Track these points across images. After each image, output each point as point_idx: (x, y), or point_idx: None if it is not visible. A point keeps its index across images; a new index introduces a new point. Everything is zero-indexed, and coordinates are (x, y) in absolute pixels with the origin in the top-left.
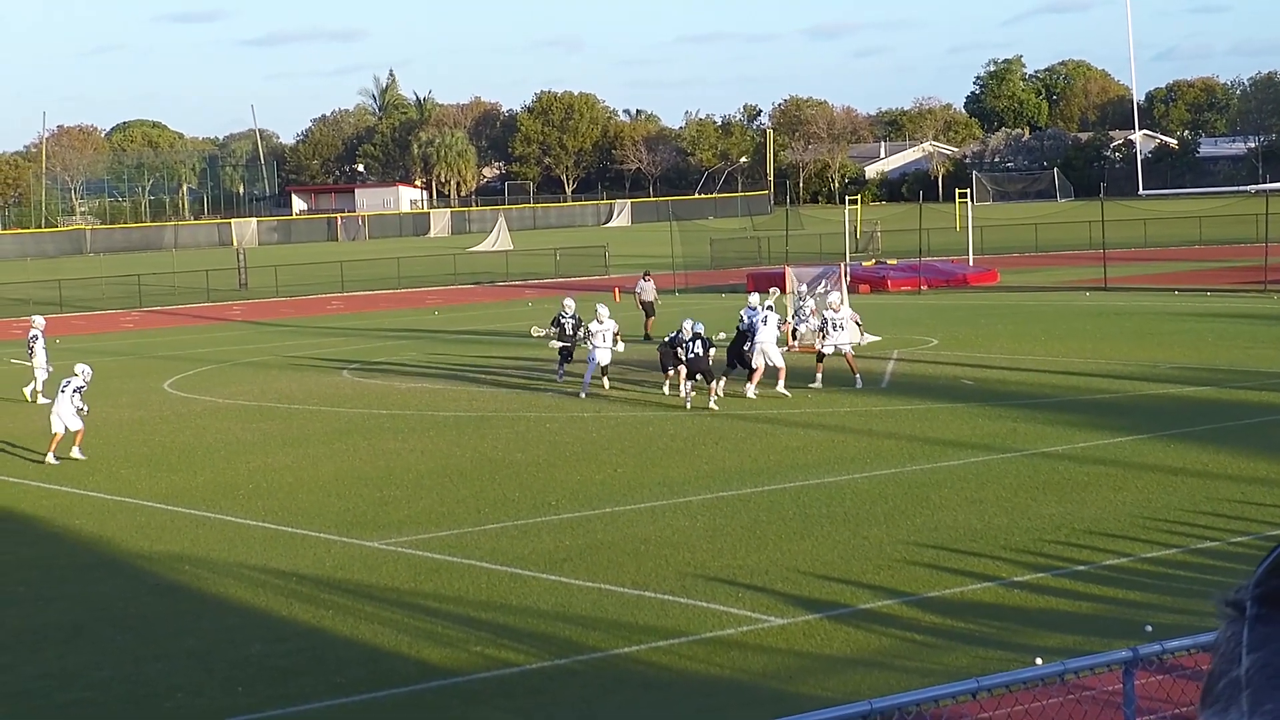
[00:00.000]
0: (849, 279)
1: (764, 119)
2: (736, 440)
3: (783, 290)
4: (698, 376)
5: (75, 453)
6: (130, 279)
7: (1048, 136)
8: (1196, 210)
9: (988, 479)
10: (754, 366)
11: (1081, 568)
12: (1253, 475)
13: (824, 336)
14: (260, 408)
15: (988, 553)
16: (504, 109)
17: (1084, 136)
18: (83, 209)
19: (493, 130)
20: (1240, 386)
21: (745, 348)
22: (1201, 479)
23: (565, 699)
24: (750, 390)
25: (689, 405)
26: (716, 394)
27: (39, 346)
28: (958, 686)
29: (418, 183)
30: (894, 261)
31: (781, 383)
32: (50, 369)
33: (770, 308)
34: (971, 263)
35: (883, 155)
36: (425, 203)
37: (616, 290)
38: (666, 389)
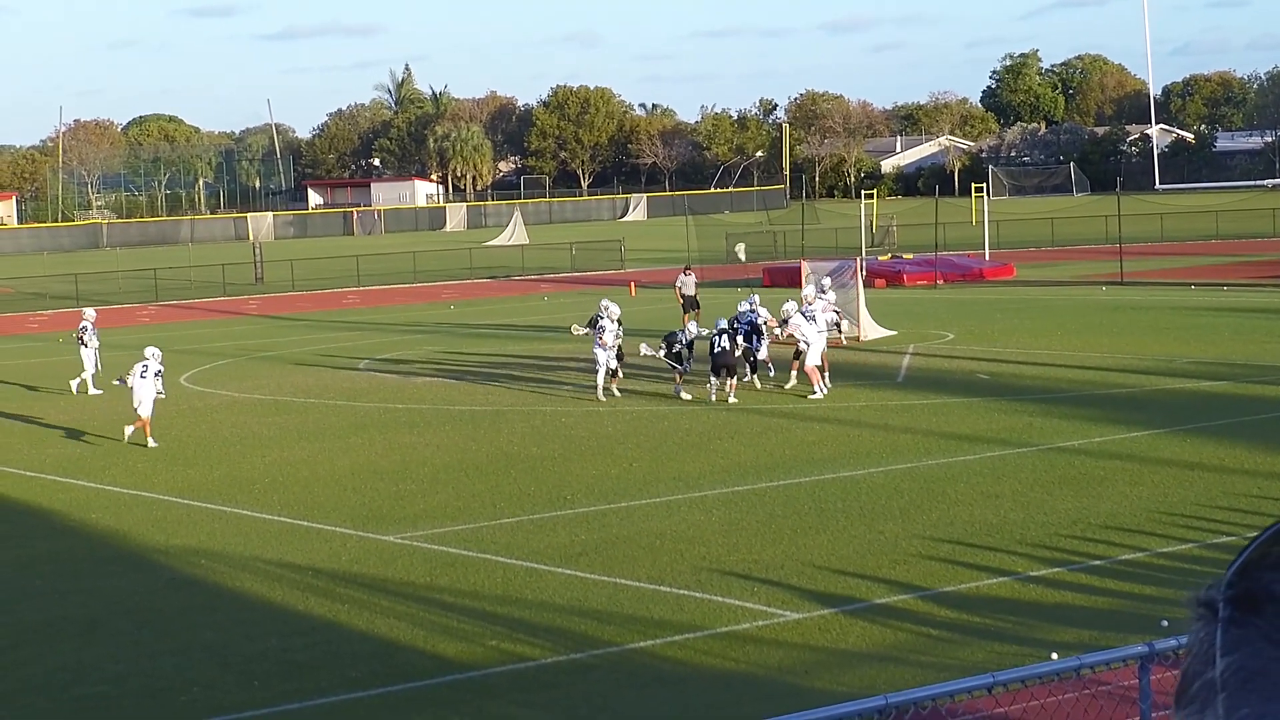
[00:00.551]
0: (865, 273)
1: (780, 113)
2: (752, 435)
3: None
4: (721, 372)
5: (129, 429)
6: (146, 273)
7: (1064, 131)
8: (1213, 205)
9: (1003, 474)
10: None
11: (1097, 562)
12: (1269, 470)
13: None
14: (276, 402)
15: (1003, 547)
16: (520, 103)
17: (1100, 131)
18: (99, 203)
19: (508, 124)
20: (1257, 381)
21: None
22: (1218, 474)
23: (581, 693)
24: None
25: (714, 398)
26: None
27: (89, 338)
28: (973, 681)
29: (434, 177)
30: (910, 256)
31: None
32: (99, 365)
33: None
34: (987, 257)
35: (899, 149)
36: (441, 197)
37: (632, 285)
38: (714, 396)
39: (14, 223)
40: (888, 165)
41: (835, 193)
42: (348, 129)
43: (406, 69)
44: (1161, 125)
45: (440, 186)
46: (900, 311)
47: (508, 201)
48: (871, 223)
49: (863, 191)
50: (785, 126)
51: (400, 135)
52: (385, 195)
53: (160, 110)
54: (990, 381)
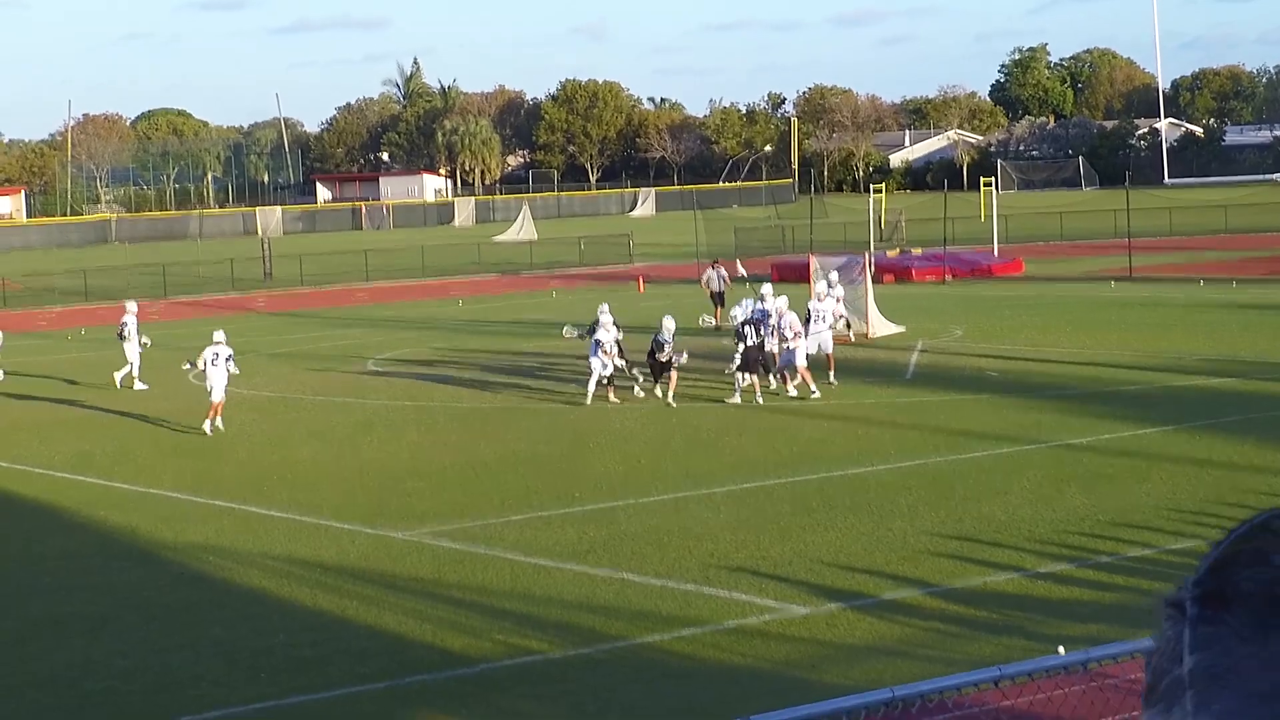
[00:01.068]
0: (873, 269)
1: (788, 107)
2: (760, 431)
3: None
4: (752, 369)
5: (207, 425)
6: (155, 268)
7: (1073, 125)
8: (1222, 199)
9: (1012, 470)
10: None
11: (1106, 559)
12: (1278, 467)
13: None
14: (284, 399)
15: (1012, 544)
16: (528, 97)
17: (1109, 125)
18: (108, 197)
19: (517, 119)
20: (1266, 378)
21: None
22: (1227, 470)
23: (589, 688)
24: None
25: (738, 397)
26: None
27: (131, 331)
28: (980, 674)
29: (442, 171)
30: (918, 251)
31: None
32: (138, 359)
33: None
34: (996, 252)
35: (907, 144)
36: (450, 191)
37: (640, 279)
38: (738, 397)
39: (23, 217)
40: (896, 159)
41: (844, 187)
42: (356, 123)
43: (415, 63)
44: (1170, 119)
45: (449, 181)
46: (909, 307)
47: (516, 196)
48: (880, 217)
49: (871, 186)
50: (793, 120)
51: (409, 129)
52: (394, 190)
53: (169, 104)
54: (999, 378)
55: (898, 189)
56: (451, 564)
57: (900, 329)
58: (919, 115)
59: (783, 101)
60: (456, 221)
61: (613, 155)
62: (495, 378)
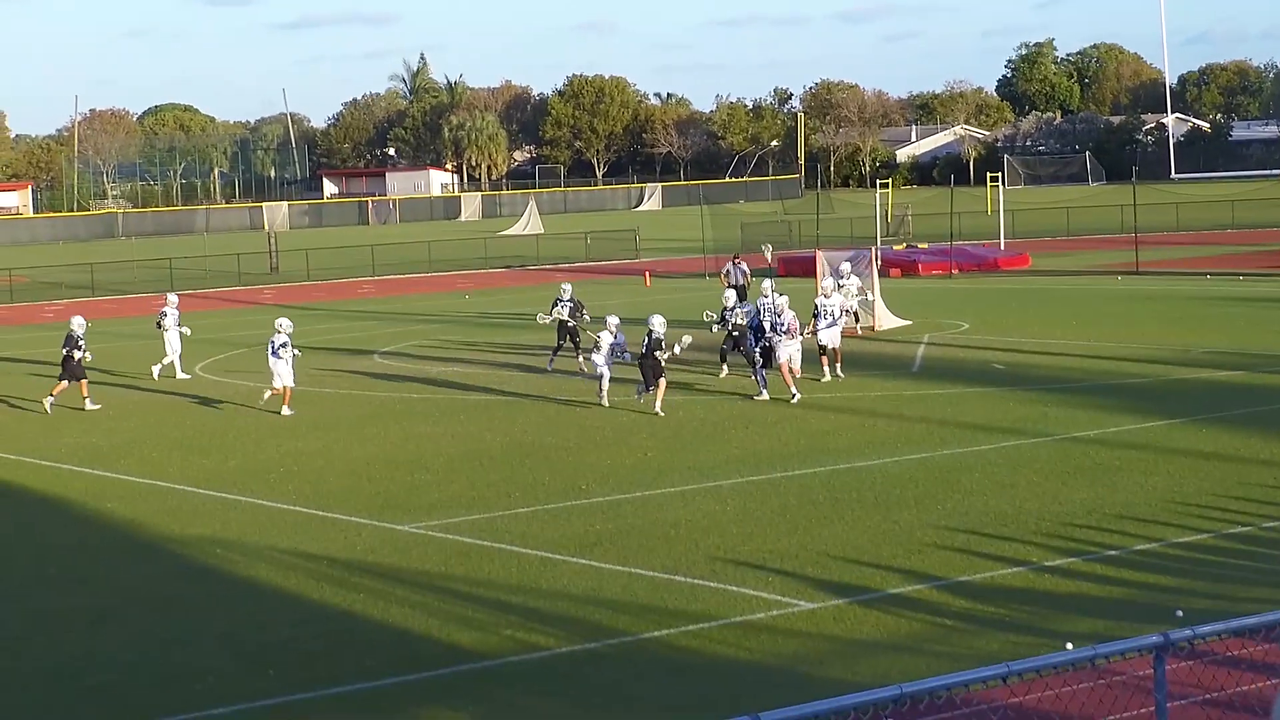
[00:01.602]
0: (880, 263)
1: (795, 102)
2: (767, 424)
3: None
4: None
5: (285, 410)
6: (162, 262)
7: (1079, 120)
8: (1229, 194)
9: (1019, 463)
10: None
11: (1112, 553)
12: None
13: (813, 327)
14: (291, 391)
15: (1018, 537)
16: (535, 93)
17: (1116, 120)
18: (114, 192)
19: (523, 114)
20: (1273, 371)
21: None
22: (1234, 464)
23: (595, 682)
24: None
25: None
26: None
27: (171, 321)
28: (988, 671)
29: (449, 166)
30: (925, 245)
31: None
32: (178, 350)
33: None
34: (1003, 247)
35: (914, 139)
36: (456, 186)
37: (647, 274)
38: (765, 393)
39: (29, 212)
40: (903, 155)
41: (850, 182)
42: (363, 118)
43: (422, 58)
44: (1177, 114)
45: (455, 176)
46: (915, 301)
47: (523, 191)
48: (887, 212)
49: (878, 181)
50: (800, 116)
51: (415, 125)
52: (400, 185)
53: (175, 100)
54: (1005, 371)
55: (904, 184)
56: (458, 557)
57: (907, 323)
58: (925, 110)
59: (789, 97)
60: (463, 216)
61: (619, 150)
62: (501, 371)
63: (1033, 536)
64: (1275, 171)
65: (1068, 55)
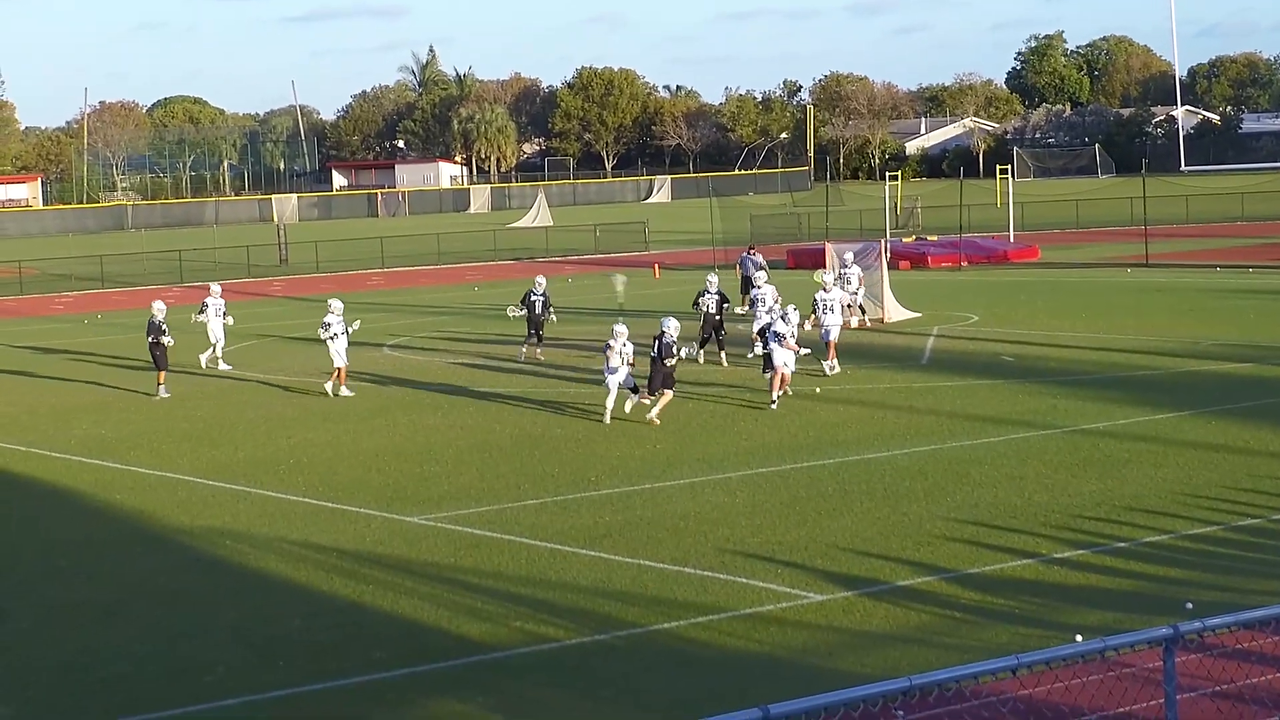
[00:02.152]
0: (889, 255)
1: (804, 95)
2: (775, 416)
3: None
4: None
5: (344, 390)
6: (171, 254)
7: (1089, 112)
8: (1239, 186)
9: (1028, 455)
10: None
11: (1122, 544)
12: None
13: (814, 321)
14: (300, 383)
15: (1027, 529)
16: (544, 85)
17: (1125, 112)
18: (124, 185)
19: (533, 106)
20: None
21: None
22: (1243, 456)
23: (604, 674)
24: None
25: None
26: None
27: (212, 313)
28: (997, 663)
29: (458, 159)
30: (934, 238)
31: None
32: (223, 338)
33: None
34: (1012, 239)
35: (923, 131)
36: (465, 179)
37: (656, 266)
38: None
39: (39, 204)
40: (912, 147)
41: (859, 174)
42: (372, 111)
43: (431, 51)
44: (1187, 107)
45: (464, 168)
46: (925, 293)
47: (532, 183)
48: (896, 204)
49: (887, 173)
50: (809, 108)
51: (424, 117)
52: (409, 177)
53: (185, 92)
54: (1015, 363)
55: (914, 176)
56: (468, 548)
57: (916, 315)
58: (935, 103)
59: (799, 89)
60: (472, 208)
61: (628, 143)
62: (511, 362)
63: (1042, 529)
64: None
65: (1077, 48)
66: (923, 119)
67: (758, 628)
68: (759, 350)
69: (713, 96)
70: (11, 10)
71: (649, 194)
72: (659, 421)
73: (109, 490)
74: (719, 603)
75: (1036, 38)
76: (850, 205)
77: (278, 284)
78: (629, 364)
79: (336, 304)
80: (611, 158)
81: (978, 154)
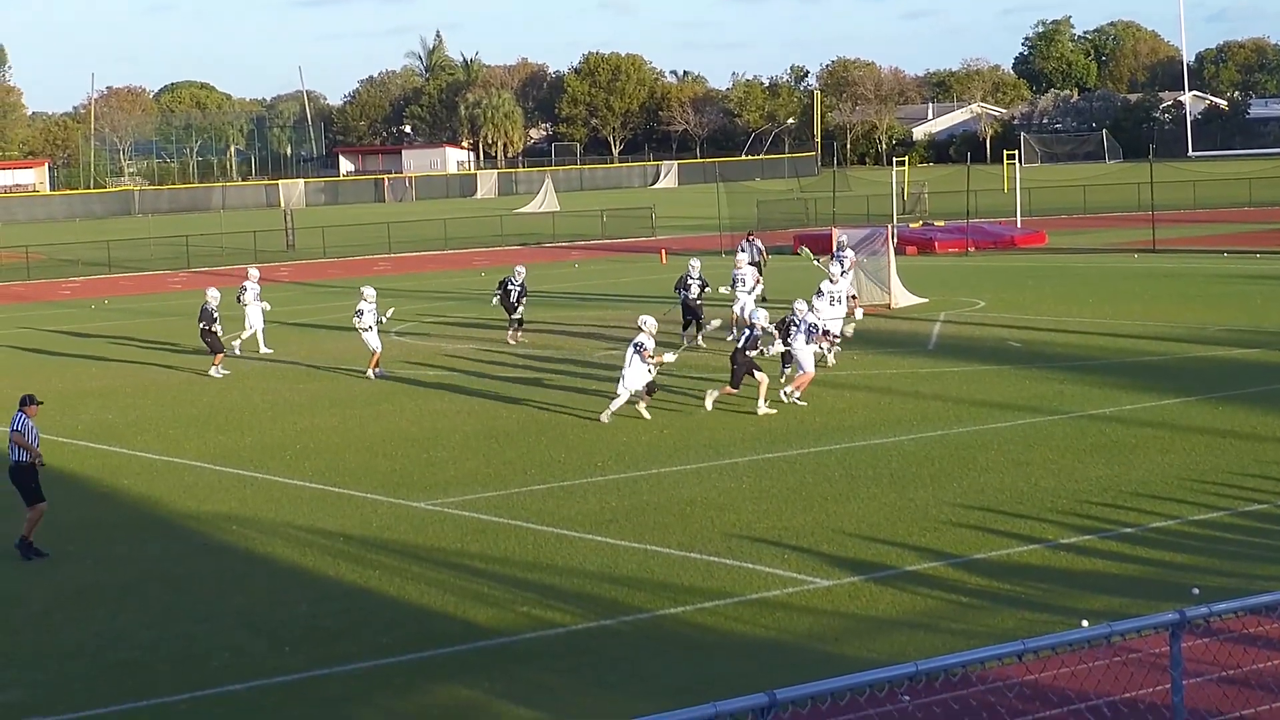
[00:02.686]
0: (896, 241)
1: (811, 80)
2: (781, 402)
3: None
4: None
5: (376, 372)
6: (178, 240)
7: (1096, 98)
8: (1246, 172)
9: (1034, 441)
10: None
11: (1128, 530)
12: None
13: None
14: (307, 369)
15: (1034, 515)
16: (551, 70)
17: (1133, 98)
18: (131, 170)
19: (539, 91)
20: None
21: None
22: (1250, 441)
23: (611, 659)
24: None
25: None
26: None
27: (250, 297)
28: (1003, 648)
29: (465, 144)
30: (941, 223)
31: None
32: (259, 325)
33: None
34: (1019, 224)
35: (930, 117)
36: (472, 164)
37: (663, 252)
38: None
39: (46, 189)
40: (919, 132)
41: (866, 160)
42: (379, 96)
43: (438, 36)
44: (1195, 92)
45: (471, 153)
46: (932, 279)
47: (539, 169)
48: (903, 190)
49: (894, 159)
50: (817, 93)
51: (431, 102)
52: (416, 162)
53: (192, 77)
54: (1021, 349)
55: (920, 162)
56: (475, 534)
57: (923, 300)
58: (942, 88)
59: (806, 74)
60: (479, 194)
61: (635, 128)
62: (517, 347)
63: (1048, 514)
64: None
65: (1085, 33)
66: (930, 104)
67: (764, 613)
68: (777, 348)
69: (719, 82)
70: None
71: (656, 179)
72: (772, 411)
73: (116, 475)
74: (725, 588)
75: (1044, 23)
76: (857, 191)
77: (285, 269)
78: (652, 362)
79: (369, 291)
80: (618, 143)
81: (985, 139)
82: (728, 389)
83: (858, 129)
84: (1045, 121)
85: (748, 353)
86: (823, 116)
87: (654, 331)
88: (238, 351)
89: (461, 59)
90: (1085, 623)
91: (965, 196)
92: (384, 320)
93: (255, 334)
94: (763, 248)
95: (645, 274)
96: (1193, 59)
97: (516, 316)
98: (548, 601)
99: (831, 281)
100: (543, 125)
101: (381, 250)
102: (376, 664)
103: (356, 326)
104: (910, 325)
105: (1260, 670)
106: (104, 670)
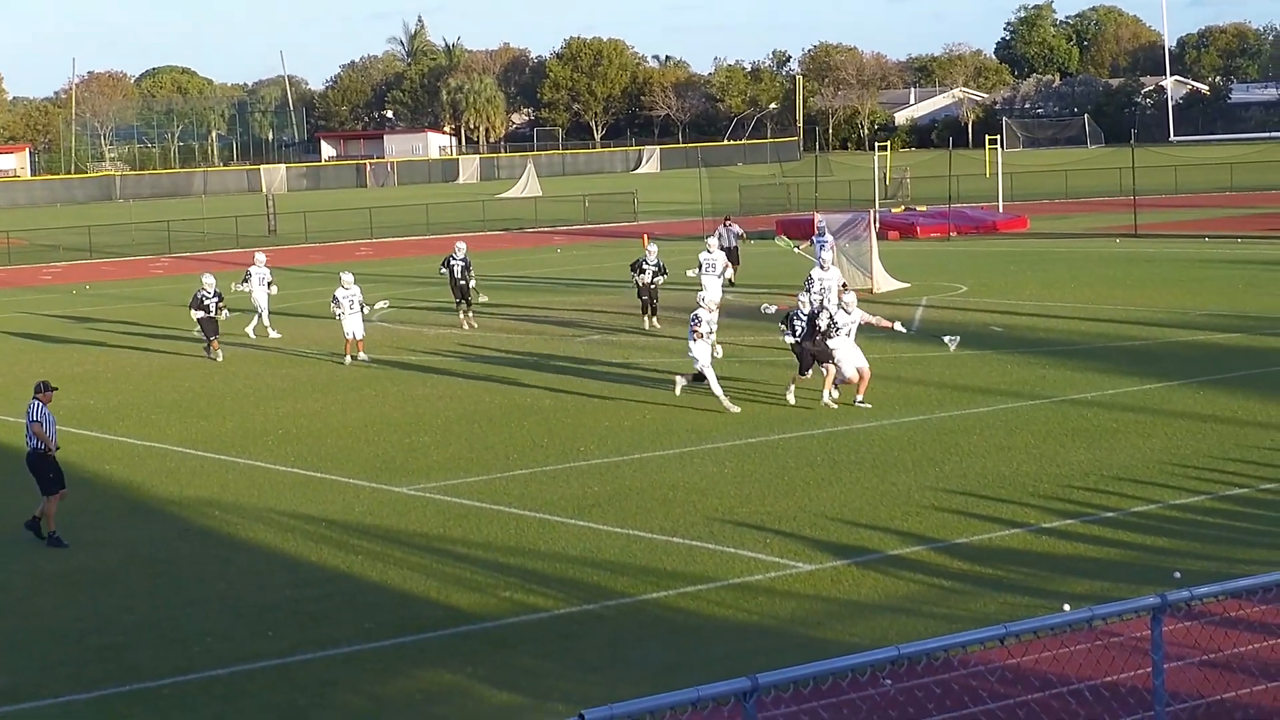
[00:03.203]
0: (878, 226)
1: (793, 65)
2: (764, 387)
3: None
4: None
5: (362, 356)
6: (160, 225)
7: (1078, 83)
8: (1228, 156)
9: (1016, 426)
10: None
11: (1110, 514)
12: None
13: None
14: (289, 354)
15: (1016, 499)
16: (533, 55)
17: (1115, 83)
18: (112, 155)
19: (521, 76)
20: (1271, 333)
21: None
22: (1231, 426)
23: (594, 644)
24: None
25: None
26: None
27: (256, 281)
28: (985, 632)
29: (446, 129)
30: (923, 208)
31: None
32: (263, 308)
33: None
34: (1001, 209)
35: (912, 101)
36: (454, 149)
37: (645, 236)
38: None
39: (27, 174)
40: (901, 117)
41: (849, 145)
42: (360, 81)
43: (419, 21)
44: (1176, 77)
45: (453, 139)
46: (914, 264)
47: (521, 154)
48: (885, 175)
49: (876, 143)
50: (799, 78)
51: (413, 87)
52: (398, 147)
53: (173, 62)
54: (1003, 334)
55: (903, 147)
56: (457, 518)
57: (905, 285)
58: (924, 73)
59: (788, 59)
60: (461, 179)
61: (617, 113)
62: (499, 333)
63: (1030, 498)
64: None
65: (1067, 18)
66: (912, 89)
67: (746, 597)
68: (790, 339)
69: (702, 67)
70: None
71: (638, 164)
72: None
73: (98, 460)
74: (708, 572)
75: (1026, 8)
76: (839, 176)
77: (266, 254)
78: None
79: (347, 276)
80: (600, 128)
81: (967, 124)
82: (797, 379)
83: (840, 114)
84: (1027, 106)
85: (815, 340)
86: (805, 101)
87: (710, 308)
88: (253, 336)
89: (443, 44)
90: (1067, 607)
91: (947, 181)
92: (368, 311)
93: (262, 318)
94: (740, 232)
95: (627, 259)
96: (1174, 44)
97: (468, 296)
98: (530, 586)
99: (822, 269)
100: (525, 110)
101: (363, 235)
102: (359, 648)
103: (334, 314)
104: (892, 310)
105: (1241, 654)
106: (86, 655)
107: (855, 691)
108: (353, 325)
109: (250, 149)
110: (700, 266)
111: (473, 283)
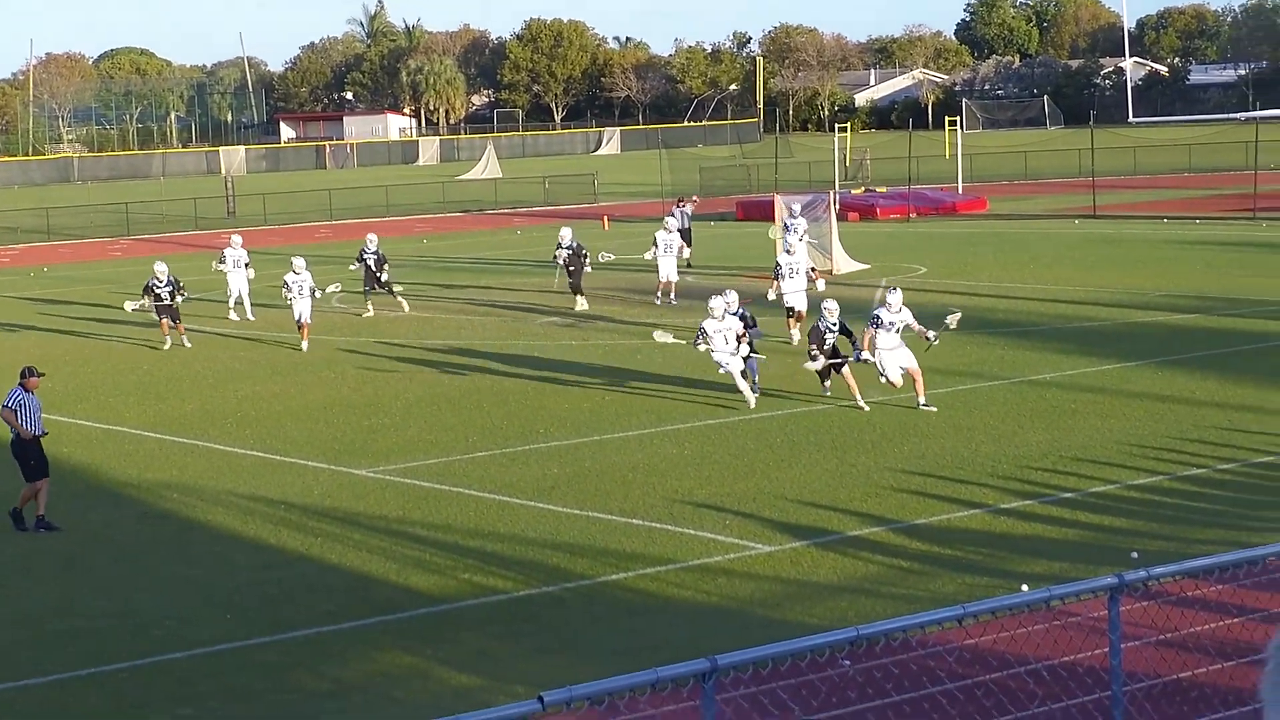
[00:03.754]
0: (838, 207)
1: (754, 46)
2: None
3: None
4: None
5: (304, 345)
6: (118, 207)
7: (1038, 64)
8: (1186, 138)
9: (975, 406)
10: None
11: (1068, 495)
12: (1240, 402)
13: (777, 289)
14: (248, 336)
15: (975, 480)
16: (493, 36)
17: (1074, 64)
18: (70, 137)
19: (481, 58)
20: (1228, 314)
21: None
22: (1189, 406)
23: (553, 626)
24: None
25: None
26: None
27: (230, 264)
28: (944, 613)
29: (406, 111)
30: (883, 189)
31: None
32: (244, 289)
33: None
34: (961, 191)
35: (872, 83)
36: (414, 131)
37: (605, 218)
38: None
39: None
40: (861, 99)
41: (809, 126)
42: (320, 62)
43: (379, 2)
44: (1135, 58)
45: (413, 120)
46: (873, 245)
47: (480, 135)
48: (845, 156)
49: (837, 125)
50: (759, 60)
51: (373, 69)
52: (358, 129)
53: (132, 43)
54: (962, 315)
55: (863, 128)
56: (416, 501)
57: (864, 267)
58: (884, 54)
59: (748, 41)
60: (421, 160)
61: (578, 94)
62: (459, 315)
63: (989, 479)
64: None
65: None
66: (872, 71)
67: (705, 578)
68: (815, 365)
69: (662, 48)
70: None
71: (598, 146)
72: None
73: (56, 444)
74: (667, 554)
75: None
76: (799, 157)
77: (225, 236)
78: (742, 343)
79: (298, 261)
80: (560, 109)
81: (927, 106)
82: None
83: (800, 95)
84: (987, 88)
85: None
86: (765, 83)
87: (716, 309)
88: (234, 318)
89: (403, 25)
90: (1025, 587)
91: (907, 163)
92: (320, 295)
93: (242, 300)
94: (689, 211)
95: (588, 240)
96: (1134, 25)
97: (385, 284)
98: (489, 568)
99: (788, 253)
100: (485, 92)
101: (323, 217)
102: (318, 631)
103: (285, 299)
104: (851, 292)
105: (1198, 633)
106: (50, 639)
107: (814, 672)
108: (301, 308)
109: (209, 131)
110: (657, 246)
111: (386, 275)
